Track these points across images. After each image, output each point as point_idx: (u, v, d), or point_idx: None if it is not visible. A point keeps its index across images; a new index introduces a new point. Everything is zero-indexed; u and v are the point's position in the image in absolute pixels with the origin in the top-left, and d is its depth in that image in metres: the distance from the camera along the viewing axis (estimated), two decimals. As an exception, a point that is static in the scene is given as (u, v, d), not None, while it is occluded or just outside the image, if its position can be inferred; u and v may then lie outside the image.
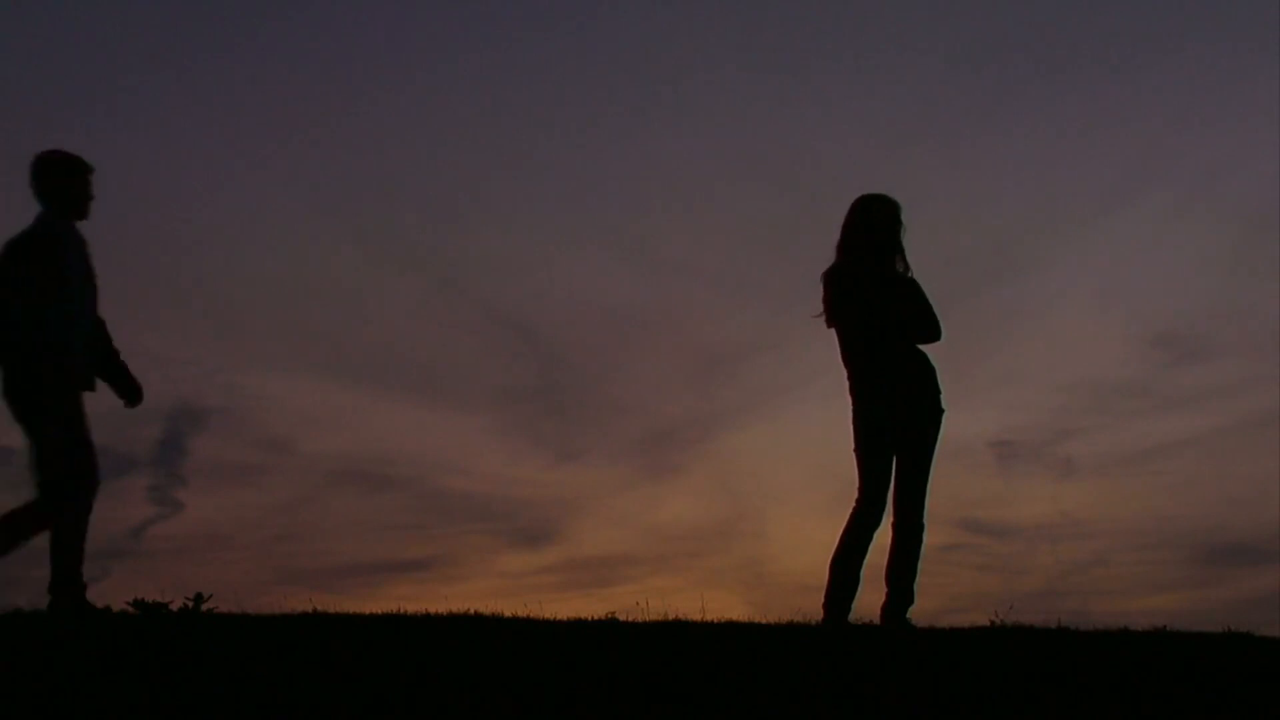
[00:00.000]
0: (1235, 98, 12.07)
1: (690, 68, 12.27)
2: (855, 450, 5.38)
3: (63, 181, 5.36)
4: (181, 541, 10.60)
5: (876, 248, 5.41)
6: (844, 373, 5.45)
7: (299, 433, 12.01)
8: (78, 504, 5.27)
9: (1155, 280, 12.50)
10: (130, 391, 5.59)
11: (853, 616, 5.29)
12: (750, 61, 12.45)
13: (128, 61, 12.28)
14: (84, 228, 5.42)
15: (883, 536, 5.34)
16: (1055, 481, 11.53)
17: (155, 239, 12.16)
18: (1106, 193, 12.63)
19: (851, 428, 5.41)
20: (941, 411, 5.40)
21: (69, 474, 5.24)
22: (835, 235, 5.51)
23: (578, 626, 4.93)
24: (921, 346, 5.43)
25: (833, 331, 5.47)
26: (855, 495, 5.34)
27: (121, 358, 5.60)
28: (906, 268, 5.47)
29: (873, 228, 5.42)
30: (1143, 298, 12.49)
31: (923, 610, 5.32)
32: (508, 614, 5.34)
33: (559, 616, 5.37)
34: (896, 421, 5.33)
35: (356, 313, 12.60)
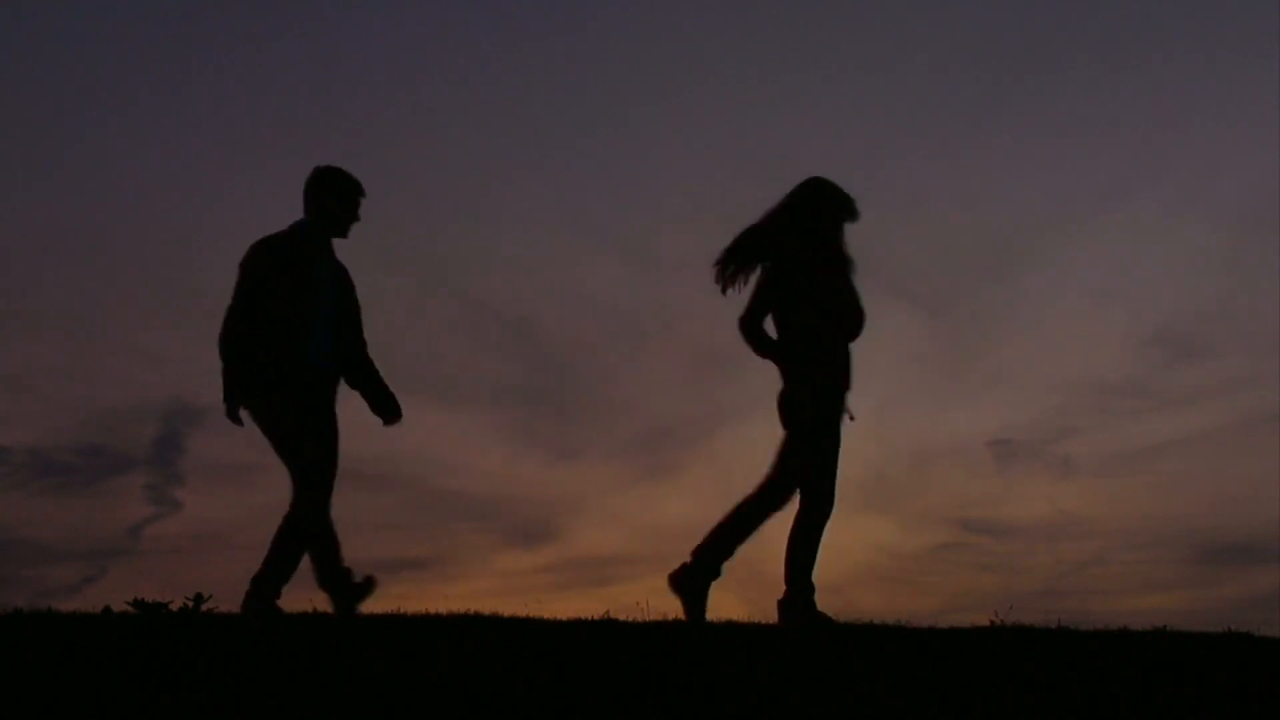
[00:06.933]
0: (1233, 96, 12.09)
1: (689, 68, 12.29)
2: None
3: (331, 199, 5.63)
4: (179, 541, 10.58)
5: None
6: None
7: (296, 432, 11.94)
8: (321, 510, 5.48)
9: (1154, 279, 12.51)
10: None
11: (852, 616, 5.30)
12: (749, 61, 12.46)
13: (127, 60, 12.28)
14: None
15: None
16: (1054, 481, 11.54)
17: (153, 237, 12.15)
18: (1104, 191, 12.65)
19: None
20: (789, 400, 5.39)
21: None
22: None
23: (577, 626, 4.93)
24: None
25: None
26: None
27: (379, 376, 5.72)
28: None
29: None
30: (1141, 297, 12.50)
31: (923, 610, 5.34)
32: (507, 614, 5.34)
33: (558, 616, 5.37)
34: None
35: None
